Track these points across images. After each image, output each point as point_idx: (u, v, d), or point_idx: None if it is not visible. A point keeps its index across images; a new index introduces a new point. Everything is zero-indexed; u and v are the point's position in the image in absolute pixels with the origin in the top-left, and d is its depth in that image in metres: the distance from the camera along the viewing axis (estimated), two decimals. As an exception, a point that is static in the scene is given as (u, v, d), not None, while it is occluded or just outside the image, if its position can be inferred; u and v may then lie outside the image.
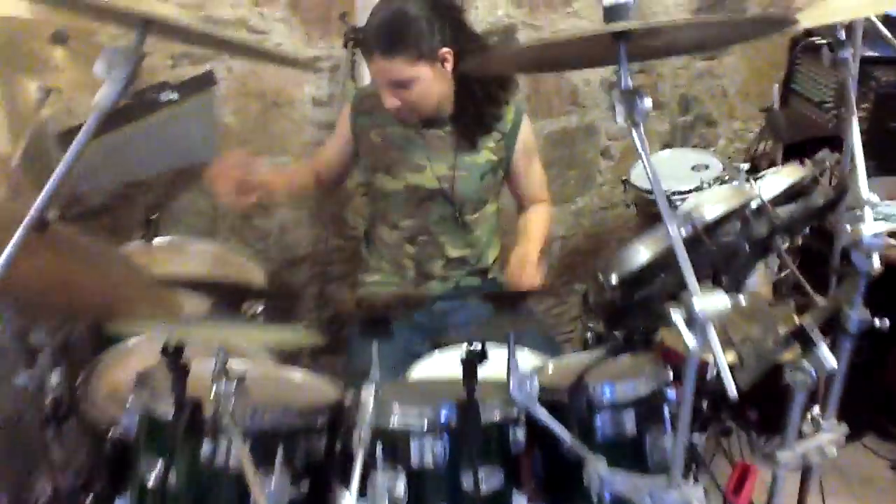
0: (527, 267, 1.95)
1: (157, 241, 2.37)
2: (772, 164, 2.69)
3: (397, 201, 2.19)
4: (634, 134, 1.17)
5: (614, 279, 1.26)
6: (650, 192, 2.41)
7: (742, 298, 1.10)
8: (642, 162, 1.18)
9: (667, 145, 3.07)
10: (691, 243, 1.24)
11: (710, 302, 1.09)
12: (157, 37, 1.36)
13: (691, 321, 1.09)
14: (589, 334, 2.23)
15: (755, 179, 2.33)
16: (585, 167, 3.06)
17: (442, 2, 2.06)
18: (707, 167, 2.42)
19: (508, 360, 1.29)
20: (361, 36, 2.03)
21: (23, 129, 2.15)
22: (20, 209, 1.37)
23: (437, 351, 1.87)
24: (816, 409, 1.50)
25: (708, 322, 1.09)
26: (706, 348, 1.12)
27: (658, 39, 1.23)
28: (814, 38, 2.64)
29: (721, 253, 1.23)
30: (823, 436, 1.46)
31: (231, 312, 1.29)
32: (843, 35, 1.52)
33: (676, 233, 1.11)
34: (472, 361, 1.27)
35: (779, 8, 3.02)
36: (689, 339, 1.09)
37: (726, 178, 2.33)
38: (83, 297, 1.43)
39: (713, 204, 1.30)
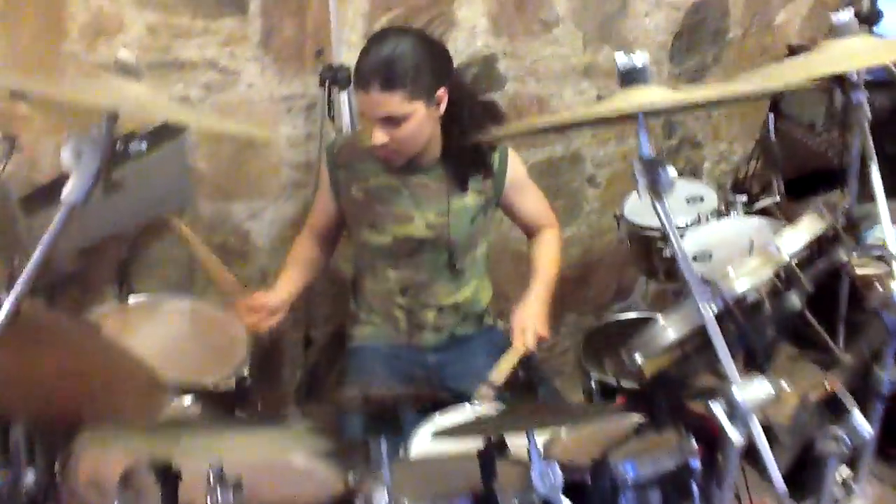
0: (532, 327, 1.89)
1: (131, 300, 2.25)
2: (763, 188, 2.64)
3: (385, 254, 2.09)
4: (658, 207, 1.08)
5: (639, 359, 1.17)
6: (643, 227, 2.33)
7: (783, 384, 1.02)
8: (668, 236, 1.09)
9: (653, 170, 2.99)
10: (720, 319, 1.15)
11: (752, 391, 1.01)
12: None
13: (733, 414, 1.00)
14: (592, 383, 2.16)
15: (747, 205, 2.29)
16: (572, 196, 2.98)
17: (438, 45, 2.01)
18: (702, 199, 2.34)
19: (530, 450, 1.20)
20: (353, 71, 1.93)
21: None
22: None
23: (437, 414, 1.77)
24: (846, 471, 1.42)
25: (751, 414, 1.00)
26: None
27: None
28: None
29: (753, 329, 1.14)
30: (856, 502, 1.38)
31: (223, 417, 1.17)
32: (855, 77, 1.44)
33: (710, 315, 1.02)
34: (490, 455, 1.17)
35: (760, 27, 2.97)
36: (733, 434, 1.00)
37: (723, 210, 2.25)
38: (52, 396, 1.31)
39: (742, 275, 1.21)
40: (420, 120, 1.91)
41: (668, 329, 1.18)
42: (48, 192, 2.14)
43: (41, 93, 1.08)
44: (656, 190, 1.07)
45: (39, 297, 2.06)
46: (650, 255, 2.33)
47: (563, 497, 1.22)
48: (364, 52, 1.93)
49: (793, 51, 2.71)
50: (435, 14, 2.63)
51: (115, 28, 2.39)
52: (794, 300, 1.19)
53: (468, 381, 2.09)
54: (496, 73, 2.76)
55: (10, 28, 2.31)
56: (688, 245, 2.03)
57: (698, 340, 1.13)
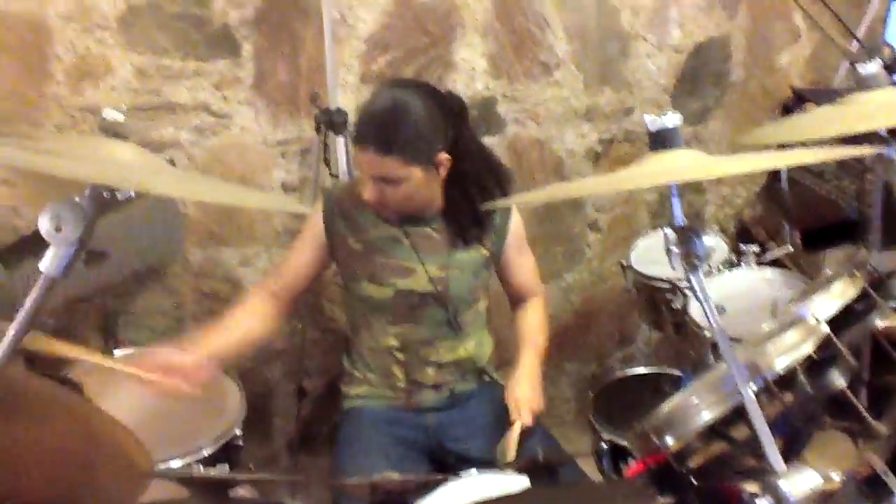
0: (527, 403, 1.81)
1: (116, 355, 2.14)
2: (771, 236, 2.56)
3: (384, 309, 1.98)
4: (693, 279, 0.99)
5: (670, 442, 1.08)
6: (652, 277, 2.25)
7: (832, 474, 0.94)
8: (704, 310, 1.00)
9: (656, 214, 2.93)
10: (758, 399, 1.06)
11: (800, 483, 0.92)
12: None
13: (780, 509, 0.91)
14: (603, 445, 2.06)
15: (758, 255, 2.22)
16: (573, 242, 2.90)
17: (446, 100, 1.90)
18: (713, 250, 2.26)
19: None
20: (355, 121, 1.83)
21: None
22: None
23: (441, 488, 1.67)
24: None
25: (800, 509, 0.91)
26: None
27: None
28: (806, 101, 2.53)
29: (795, 411, 1.05)
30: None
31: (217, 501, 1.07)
32: (884, 131, 1.37)
33: (751, 397, 0.93)
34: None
35: (763, 69, 2.92)
36: (780, 532, 0.91)
37: (734, 260, 2.17)
38: (31, 475, 1.20)
39: (782, 353, 1.12)
40: (417, 183, 1.82)
41: (702, 409, 1.09)
42: (31, 244, 2.05)
43: (19, 161, 0.98)
44: (691, 262, 0.98)
45: (18, 356, 1.95)
46: (657, 306, 2.25)
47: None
48: (367, 105, 1.83)
49: (796, 93, 2.65)
50: (433, 56, 2.57)
51: (102, 70, 2.31)
52: (838, 378, 1.11)
53: (469, 442, 2.00)
54: (496, 116, 2.70)
55: (-7, 69, 2.24)
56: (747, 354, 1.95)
57: (734, 421, 1.04)
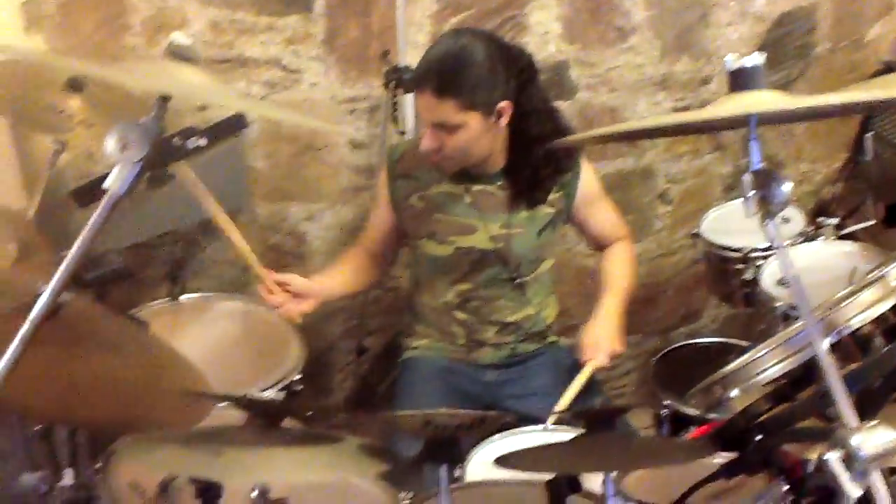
0: (606, 344, 1.75)
1: (183, 299, 2.19)
2: (850, 212, 2.46)
3: (445, 267, 1.97)
4: (770, 227, 0.94)
5: (735, 394, 1.04)
6: (723, 247, 2.18)
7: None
8: (780, 263, 0.95)
9: (729, 188, 2.84)
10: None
11: (875, 439, 0.87)
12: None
13: (851, 465, 0.87)
14: (664, 412, 2.01)
15: (837, 229, 2.13)
16: (642, 212, 2.84)
17: (512, 52, 1.87)
18: (788, 220, 2.18)
19: (605, 485, 1.07)
20: (414, 68, 1.82)
21: (38, 182, 1.98)
22: (30, 282, 1.19)
23: (497, 436, 1.66)
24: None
25: (873, 466, 0.86)
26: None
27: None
28: (896, 72, 2.41)
29: (869, 370, 1.00)
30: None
31: (270, 428, 1.08)
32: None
33: (824, 350, 0.88)
34: (558, 492, 1.05)
35: (850, 42, 2.80)
36: (851, 489, 0.86)
37: (811, 233, 2.09)
38: (92, 400, 1.23)
39: (860, 310, 1.06)
40: (475, 131, 1.79)
41: (772, 362, 1.04)
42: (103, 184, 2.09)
43: (91, 71, 1.00)
44: (768, 207, 0.93)
45: (89, 292, 2.01)
46: (728, 277, 2.18)
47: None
48: (429, 49, 1.83)
49: (888, 66, 2.53)
50: (506, 17, 2.52)
51: (178, 23, 2.35)
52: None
53: (528, 401, 1.98)
54: (567, 81, 2.64)
55: (72, 20, 2.28)
56: (774, 269, 1.88)
57: (805, 380, 1.00)
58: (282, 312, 1.89)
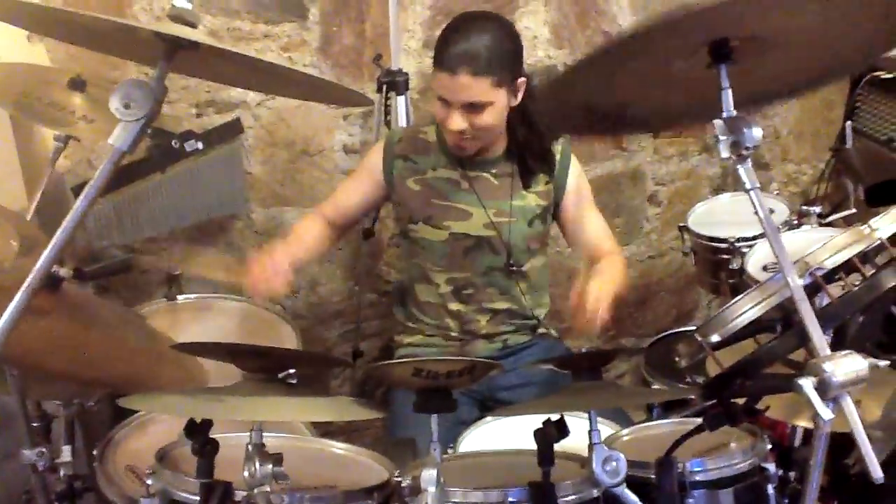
0: (595, 302, 1.71)
1: (180, 299, 2.22)
2: (836, 208, 2.51)
3: (440, 253, 2.01)
4: (741, 169, 0.99)
5: (715, 340, 1.08)
6: (710, 238, 2.23)
7: (879, 362, 0.92)
8: (751, 198, 1.00)
9: (718, 189, 2.89)
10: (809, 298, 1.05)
11: (846, 366, 0.91)
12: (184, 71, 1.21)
13: (823, 390, 0.90)
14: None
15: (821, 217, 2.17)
16: (632, 214, 2.89)
17: (517, 33, 1.96)
18: (772, 211, 2.22)
19: (590, 433, 1.11)
20: (439, 50, 1.85)
21: (39, 180, 2.02)
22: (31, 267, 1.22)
23: (489, 417, 1.69)
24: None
25: (844, 391, 0.90)
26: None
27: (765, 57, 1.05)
28: (878, 73, 2.46)
29: (844, 308, 1.04)
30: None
31: (266, 380, 1.11)
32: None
33: (798, 284, 0.92)
34: (548, 436, 1.08)
35: None
36: (823, 411, 0.90)
37: (794, 222, 2.14)
38: (97, 365, 1.27)
39: (832, 252, 1.11)
40: (500, 108, 1.87)
41: (748, 306, 1.08)
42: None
43: (96, 19, 1.04)
44: (740, 152, 0.98)
45: (89, 287, 2.04)
46: (715, 268, 2.22)
47: (628, 491, 1.12)
48: (451, 33, 1.85)
49: None
50: (496, 24, 2.59)
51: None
52: (890, 277, 1.09)
53: (520, 392, 2.00)
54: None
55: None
56: (760, 256, 1.92)
57: (781, 319, 1.03)
58: (270, 294, 1.89)
